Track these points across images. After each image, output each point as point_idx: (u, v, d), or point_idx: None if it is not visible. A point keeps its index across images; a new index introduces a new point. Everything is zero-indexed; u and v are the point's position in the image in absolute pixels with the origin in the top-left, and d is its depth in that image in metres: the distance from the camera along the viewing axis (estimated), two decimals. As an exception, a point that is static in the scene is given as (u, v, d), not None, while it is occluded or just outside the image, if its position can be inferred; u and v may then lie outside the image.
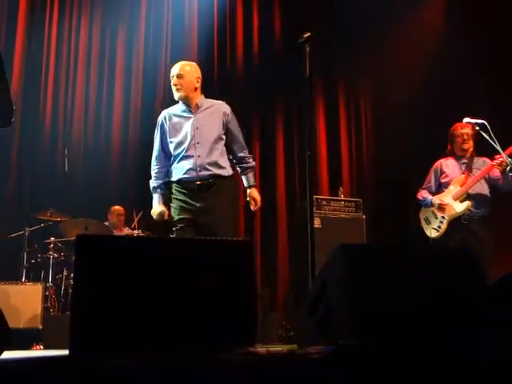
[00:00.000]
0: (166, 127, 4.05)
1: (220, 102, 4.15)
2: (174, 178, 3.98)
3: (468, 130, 4.90)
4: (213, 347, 1.69)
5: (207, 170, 3.88)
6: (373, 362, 1.56)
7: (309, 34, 3.43)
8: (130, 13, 7.70)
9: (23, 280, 5.55)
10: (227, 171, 3.97)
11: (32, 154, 6.89)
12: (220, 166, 3.93)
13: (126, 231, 6.65)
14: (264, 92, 7.99)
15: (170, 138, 4.03)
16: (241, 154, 4.10)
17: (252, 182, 4.12)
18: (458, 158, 4.97)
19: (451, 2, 7.93)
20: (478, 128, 4.62)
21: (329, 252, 2.25)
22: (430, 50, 7.82)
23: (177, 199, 3.93)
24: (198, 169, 3.87)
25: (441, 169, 5.00)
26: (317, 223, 5.57)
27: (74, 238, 2.12)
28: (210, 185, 3.89)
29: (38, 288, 5.27)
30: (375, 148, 8.61)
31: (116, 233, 6.60)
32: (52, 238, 6.00)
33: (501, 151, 4.52)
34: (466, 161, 4.91)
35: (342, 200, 5.98)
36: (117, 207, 6.81)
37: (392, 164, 7.62)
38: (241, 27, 8.25)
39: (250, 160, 4.15)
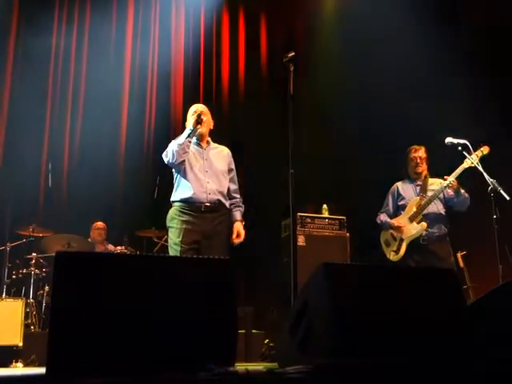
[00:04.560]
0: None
1: (223, 146, 4.50)
2: (183, 196, 4.11)
3: (421, 154, 5.01)
4: (192, 366, 1.67)
5: (216, 195, 4.14)
6: (351, 382, 1.56)
7: (293, 53, 3.47)
8: (116, 27, 7.74)
9: (4, 296, 5.47)
10: (227, 204, 4.27)
11: (15, 168, 6.84)
12: (225, 197, 4.23)
13: (110, 248, 6.59)
14: (248, 109, 8.06)
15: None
16: (235, 195, 4.39)
17: (240, 217, 4.34)
18: (412, 181, 5.05)
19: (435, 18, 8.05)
20: (460, 148, 4.69)
21: (312, 270, 2.25)
22: (417, 66, 7.91)
23: (182, 221, 4.06)
24: (208, 192, 4.11)
25: (397, 191, 5.08)
26: (301, 241, 5.57)
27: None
28: (216, 209, 4.13)
29: (18, 304, 5.20)
30: (360, 165, 8.66)
31: (99, 249, 6.54)
32: (34, 254, 5.92)
33: (482, 171, 4.58)
34: (420, 183, 5.00)
35: (326, 218, 5.98)
36: (98, 223, 6.76)
37: (377, 181, 7.66)
38: (227, 46, 8.34)
39: (241, 203, 4.42)
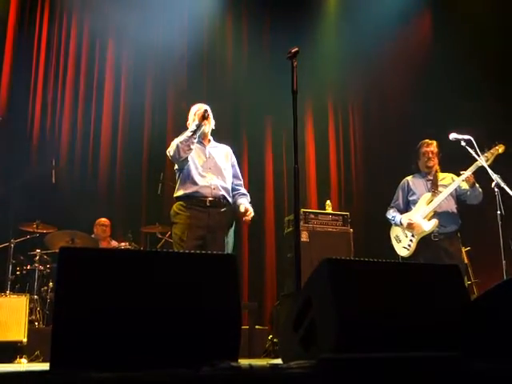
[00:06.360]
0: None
1: (224, 145, 4.52)
2: (188, 191, 4.12)
3: (433, 148, 4.98)
4: (196, 361, 1.67)
5: (220, 190, 4.16)
6: (355, 377, 1.56)
7: (296, 48, 3.45)
8: (117, 29, 7.74)
9: (8, 292, 5.47)
10: (231, 200, 4.28)
11: (19, 165, 6.85)
12: (228, 193, 4.26)
13: (114, 244, 6.60)
14: (252, 106, 8.04)
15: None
16: (239, 187, 4.41)
17: (245, 200, 4.31)
18: (423, 175, 5.01)
19: (438, 17, 8.04)
20: (464, 144, 4.67)
21: (316, 265, 2.25)
22: (418, 64, 7.91)
23: (187, 215, 4.07)
24: (213, 187, 4.14)
25: (408, 186, 5.03)
26: (304, 236, 5.55)
27: (58, 251, 2.10)
28: (221, 204, 4.15)
29: (22, 300, 5.21)
30: (363, 161, 8.66)
31: (103, 245, 6.55)
32: (38, 250, 5.95)
33: (486, 166, 4.57)
34: (431, 178, 4.95)
35: (330, 214, 5.96)
36: (102, 219, 6.77)
37: (380, 177, 7.67)
38: (230, 41, 8.33)
39: (246, 192, 4.42)
